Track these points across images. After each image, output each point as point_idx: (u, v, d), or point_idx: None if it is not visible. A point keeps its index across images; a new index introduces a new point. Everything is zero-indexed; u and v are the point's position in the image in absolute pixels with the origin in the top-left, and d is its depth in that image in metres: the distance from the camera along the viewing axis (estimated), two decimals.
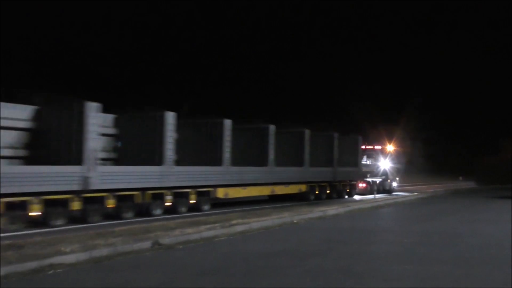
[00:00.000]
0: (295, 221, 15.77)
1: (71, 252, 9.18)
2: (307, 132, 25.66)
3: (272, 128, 22.92)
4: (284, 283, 7.97)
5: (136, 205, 16.63)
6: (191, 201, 18.60)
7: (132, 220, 15.63)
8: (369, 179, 32.30)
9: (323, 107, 60.27)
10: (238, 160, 21.13)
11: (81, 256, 9.12)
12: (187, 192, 18.38)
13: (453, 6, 74.49)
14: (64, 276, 8.08)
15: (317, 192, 26.28)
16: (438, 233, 13.85)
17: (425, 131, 53.66)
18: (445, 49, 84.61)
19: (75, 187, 14.43)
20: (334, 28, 74.82)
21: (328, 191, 27.19)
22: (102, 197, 15.39)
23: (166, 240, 10.95)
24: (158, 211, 17.21)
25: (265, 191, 22.98)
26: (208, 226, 13.18)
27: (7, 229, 12.88)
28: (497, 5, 73.70)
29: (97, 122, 15.20)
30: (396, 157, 36.02)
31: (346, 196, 28.70)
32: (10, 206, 13.10)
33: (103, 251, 9.57)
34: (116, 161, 17.83)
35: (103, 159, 16.54)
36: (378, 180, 33.20)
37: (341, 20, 71.90)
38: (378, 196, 29.02)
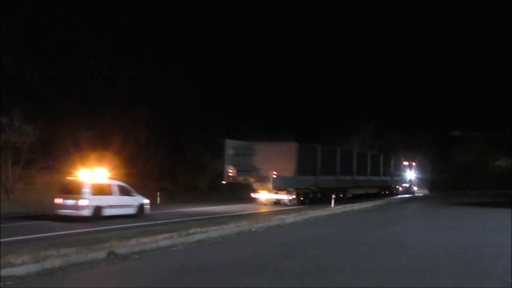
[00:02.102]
0: (253, 229, 15.88)
1: (21, 263, 9.04)
2: (382, 155, 42.28)
3: (368, 155, 39.27)
4: None
5: (325, 197, 32.46)
6: (340, 195, 34.50)
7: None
8: (403, 185, 49.02)
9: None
10: (359, 172, 37.09)
11: (32, 267, 8.95)
12: (340, 190, 34.33)
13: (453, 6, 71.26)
14: None
15: (382, 192, 42.57)
16: (391, 240, 14.14)
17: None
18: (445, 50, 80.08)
19: (311, 186, 30.34)
20: (334, 28, 72.51)
21: (387, 192, 43.50)
22: (317, 191, 31.21)
23: (121, 250, 10.74)
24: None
25: (364, 190, 39.05)
26: (165, 235, 13.06)
27: (296, 204, 28.48)
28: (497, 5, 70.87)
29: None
30: (417, 170, 52.87)
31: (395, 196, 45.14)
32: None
33: (56, 262, 9.34)
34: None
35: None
36: (407, 185, 49.95)
37: (342, 20, 69.48)
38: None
